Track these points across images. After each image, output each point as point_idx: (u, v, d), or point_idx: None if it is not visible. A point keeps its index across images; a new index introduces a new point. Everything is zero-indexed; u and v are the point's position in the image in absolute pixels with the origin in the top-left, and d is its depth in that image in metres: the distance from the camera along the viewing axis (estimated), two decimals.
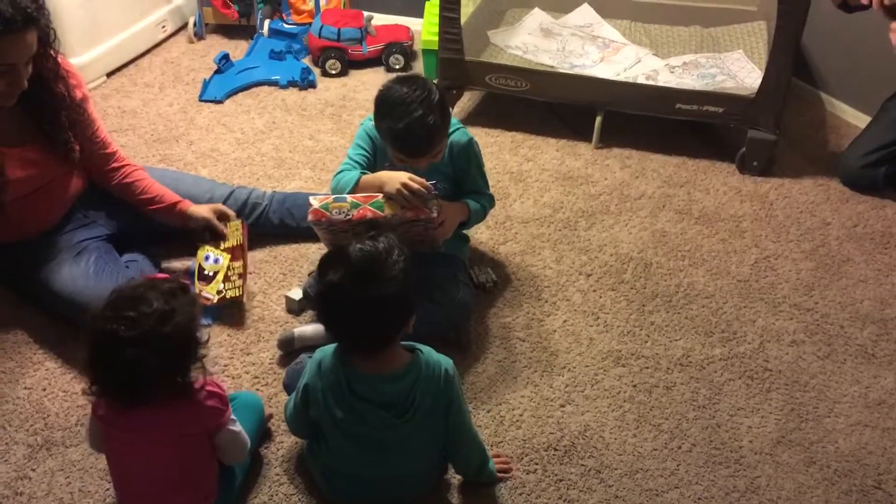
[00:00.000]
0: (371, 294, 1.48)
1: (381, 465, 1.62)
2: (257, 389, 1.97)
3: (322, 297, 1.54)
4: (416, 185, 1.85)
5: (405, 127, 1.86)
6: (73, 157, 2.07)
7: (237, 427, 1.59)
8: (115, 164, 2.18)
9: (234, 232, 2.21)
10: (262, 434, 1.83)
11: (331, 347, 1.62)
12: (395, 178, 1.87)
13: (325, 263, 1.54)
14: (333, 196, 1.89)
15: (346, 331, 1.55)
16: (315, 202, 1.87)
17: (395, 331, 1.55)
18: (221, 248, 2.20)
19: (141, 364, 1.40)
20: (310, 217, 1.88)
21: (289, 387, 1.88)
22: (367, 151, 2.05)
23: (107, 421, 1.52)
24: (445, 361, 1.62)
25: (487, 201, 2.14)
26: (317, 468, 1.71)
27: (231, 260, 2.16)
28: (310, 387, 1.62)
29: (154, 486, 1.55)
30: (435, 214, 1.88)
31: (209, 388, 1.53)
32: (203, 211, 2.21)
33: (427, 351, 1.61)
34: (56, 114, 2.00)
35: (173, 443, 1.51)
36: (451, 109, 2.14)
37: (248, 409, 1.76)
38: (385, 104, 1.91)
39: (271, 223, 2.40)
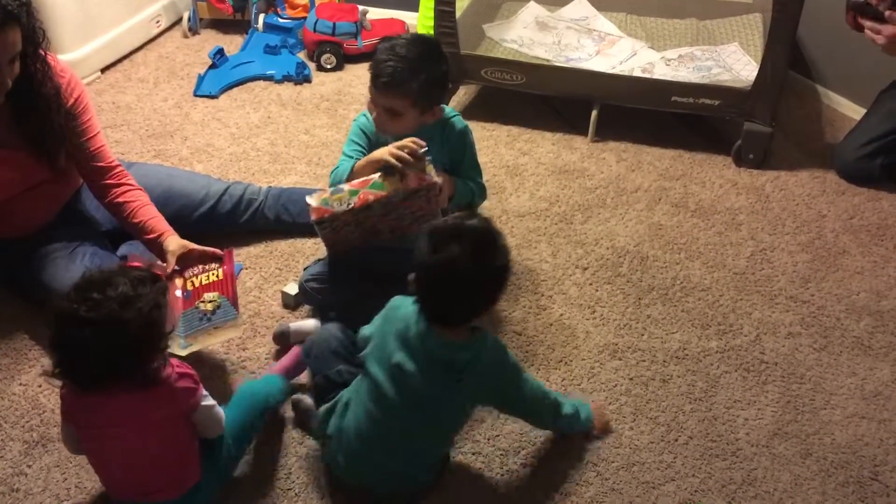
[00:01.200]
0: (488, 268, 1.52)
1: (397, 437, 1.62)
2: None
3: (434, 269, 1.52)
4: (408, 143, 1.84)
5: (384, 56, 1.88)
6: (59, 164, 2.00)
7: (210, 401, 1.59)
8: (109, 181, 2.04)
9: (210, 273, 1.96)
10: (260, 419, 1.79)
11: (410, 298, 1.60)
12: (385, 149, 1.86)
13: (437, 236, 1.52)
14: (330, 189, 1.87)
15: (447, 304, 1.54)
16: (313, 201, 1.83)
17: (489, 306, 1.59)
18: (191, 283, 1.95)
19: (98, 346, 1.39)
20: (312, 217, 1.84)
21: (308, 352, 1.85)
22: (361, 146, 2.04)
23: (78, 422, 1.52)
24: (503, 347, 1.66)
25: (477, 186, 2.13)
26: (329, 436, 1.69)
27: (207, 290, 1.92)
28: (378, 325, 1.64)
29: (137, 475, 1.55)
30: (436, 179, 1.84)
31: (178, 369, 1.53)
32: (174, 247, 1.97)
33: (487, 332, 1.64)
34: (43, 117, 1.91)
35: (151, 430, 1.51)
36: (447, 88, 2.16)
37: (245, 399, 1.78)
38: (386, 39, 1.96)
39: (267, 219, 2.39)
